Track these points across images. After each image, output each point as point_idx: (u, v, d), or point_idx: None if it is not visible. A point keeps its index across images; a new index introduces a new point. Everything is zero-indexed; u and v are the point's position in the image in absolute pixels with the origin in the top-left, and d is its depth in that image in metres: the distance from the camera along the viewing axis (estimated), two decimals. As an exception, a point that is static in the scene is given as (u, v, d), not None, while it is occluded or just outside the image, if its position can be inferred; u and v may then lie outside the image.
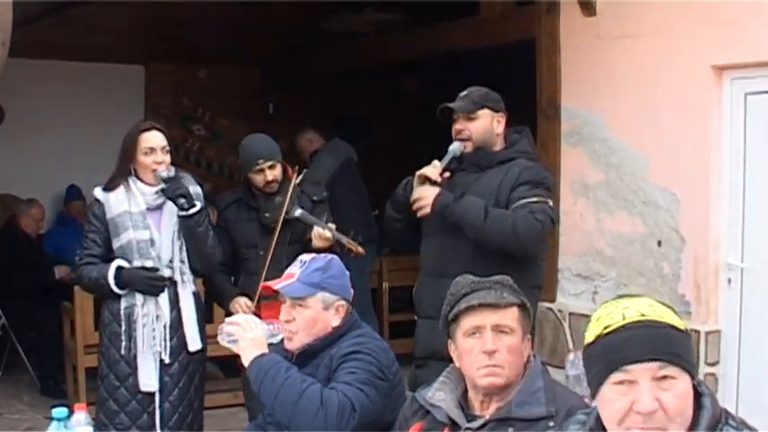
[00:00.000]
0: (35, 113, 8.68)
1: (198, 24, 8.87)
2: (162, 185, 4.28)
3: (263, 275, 4.47)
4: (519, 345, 2.65)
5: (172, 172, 4.31)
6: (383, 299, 7.82)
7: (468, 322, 2.65)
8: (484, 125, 4.13)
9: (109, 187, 4.33)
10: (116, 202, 4.28)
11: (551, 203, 4.03)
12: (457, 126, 4.14)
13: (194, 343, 4.37)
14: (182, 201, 4.26)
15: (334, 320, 3.23)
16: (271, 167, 4.65)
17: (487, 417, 2.57)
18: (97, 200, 4.34)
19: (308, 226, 4.56)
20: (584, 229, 5.82)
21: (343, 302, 3.26)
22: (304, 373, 3.17)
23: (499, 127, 4.14)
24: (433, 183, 4.07)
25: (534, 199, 3.93)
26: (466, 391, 2.69)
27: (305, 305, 3.22)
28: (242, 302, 4.64)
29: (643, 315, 1.95)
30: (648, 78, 5.45)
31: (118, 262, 4.23)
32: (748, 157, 5.08)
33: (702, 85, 5.17)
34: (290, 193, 4.64)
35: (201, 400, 4.53)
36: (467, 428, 2.57)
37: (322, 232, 4.42)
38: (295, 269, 3.29)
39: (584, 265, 5.83)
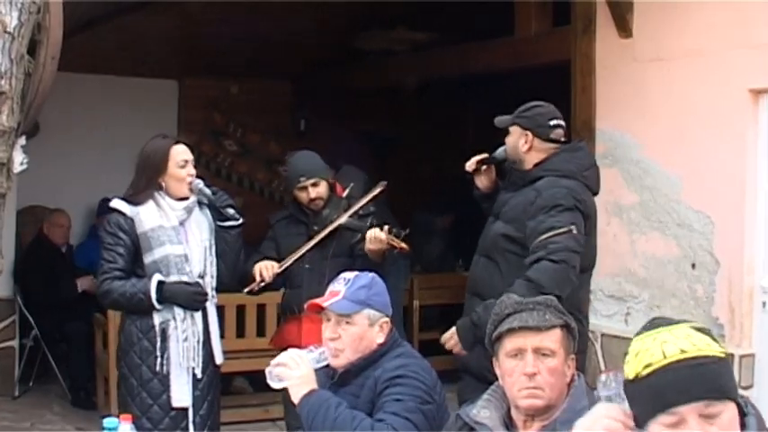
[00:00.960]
0: (68, 127, 8.79)
1: (231, 40, 8.94)
2: (196, 197, 4.28)
3: (303, 285, 4.52)
4: (561, 366, 2.66)
5: (201, 185, 4.31)
6: (413, 317, 7.84)
7: (510, 343, 2.67)
8: (513, 141, 4.15)
9: (136, 201, 4.26)
10: (148, 217, 4.22)
11: (574, 227, 3.86)
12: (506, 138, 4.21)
13: (219, 356, 4.38)
14: (231, 211, 4.28)
15: (379, 337, 3.24)
16: (314, 185, 4.64)
17: (532, 434, 2.58)
18: (121, 212, 4.24)
19: (355, 234, 4.56)
20: (617, 250, 5.81)
21: (387, 319, 3.28)
22: (347, 392, 3.19)
23: (525, 145, 4.08)
24: (466, 172, 4.35)
25: (551, 233, 3.82)
26: (509, 408, 2.71)
27: (351, 322, 3.21)
28: (266, 265, 4.58)
29: (683, 352, 1.92)
30: (683, 101, 5.46)
31: (159, 276, 4.18)
32: (784, 180, 5.09)
33: (738, 107, 5.18)
34: (341, 207, 4.64)
35: (219, 413, 4.54)
36: (513, 447, 2.59)
37: (377, 234, 4.36)
38: (339, 287, 3.28)
39: (617, 286, 5.83)
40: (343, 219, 4.59)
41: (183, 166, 4.28)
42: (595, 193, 4.17)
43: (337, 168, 8.01)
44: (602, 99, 5.96)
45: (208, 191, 4.29)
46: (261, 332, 6.79)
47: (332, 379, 3.30)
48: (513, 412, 2.69)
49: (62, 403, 7.28)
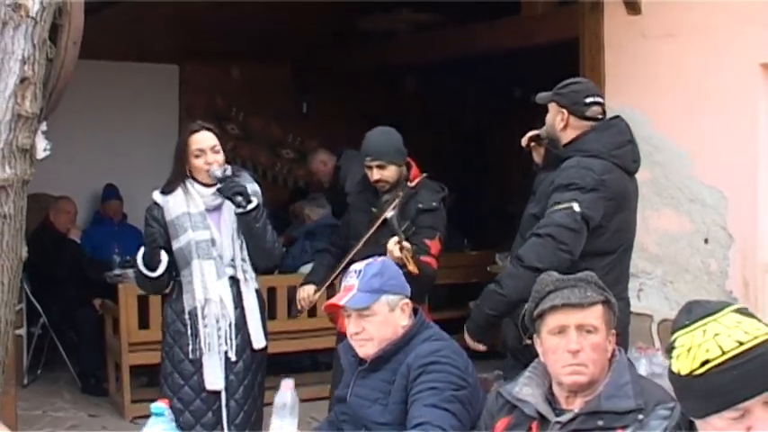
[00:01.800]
0: (70, 113, 8.65)
1: (231, 22, 8.92)
2: (218, 185, 4.31)
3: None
4: (603, 342, 2.67)
5: (228, 171, 4.32)
6: (424, 296, 7.80)
7: (552, 321, 2.67)
8: (550, 118, 4.09)
9: (167, 190, 4.37)
10: (175, 205, 4.32)
11: (577, 205, 3.77)
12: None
13: (258, 341, 4.39)
14: (238, 198, 4.27)
15: (402, 320, 3.23)
16: (379, 167, 4.51)
17: (576, 410, 2.59)
18: (156, 203, 4.39)
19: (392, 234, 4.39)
20: (629, 226, 5.81)
21: (407, 300, 3.27)
22: (380, 378, 3.19)
23: (561, 123, 4.00)
24: (525, 148, 4.31)
25: (554, 208, 3.80)
26: (551, 385, 2.72)
27: (371, 313, 3.20)
28: (304, 291, 4.64)
29: (741, 343, 1.90)
30: (694, 76, 5.46)
31: (143, 249, 4.31)
32: (796, 153, 5.10)
33: (749, 82, 5.18)
34: (399, 196, 4.45)
35: (263, 398, 4.52)
36: (556, 422, 2.60)
37: (392, 248, 4.18)
38: (353, 280, 3.26)
39: (630, 263, 5.83)
40: (390, 213, 4.39)
41: (198, 156, 4.32)
42: (630, 172, 4.09)
43: (339, 154, 8.06)
44: (611, 76, 5.95)
45: (218, 179, 4.28)
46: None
47: (361, 365, 3.29)
48: (556, 388, 2.70)
49: (72, 390, 7.29)
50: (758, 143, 5.17)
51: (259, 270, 4.53)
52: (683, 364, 1.95)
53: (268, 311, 4.73)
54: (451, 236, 8.76)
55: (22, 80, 3.67)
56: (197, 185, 4.36)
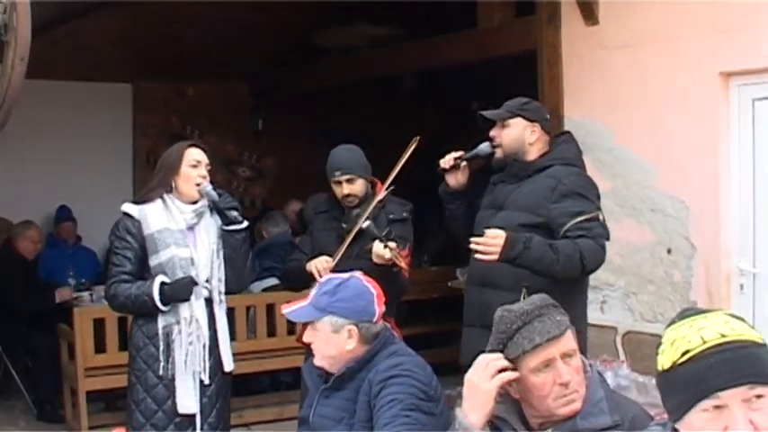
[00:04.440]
0: (22, 134, 8.53)
1: (184, 41, 8.81)
2: (206, 201, 4.23)
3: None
4: (580, 362, 2.57)
5: (214, 193, 4.26)
6: (387, 313, 7.73)
7: (535, 359, 2.50)
8: (515, 133, 4.16)
9: (143, 201, 4.25)
10: (155, 219, 4.19)
11: (599, 213, 4.03)
12: (491, 132, 4.23)
13: (229, 363, 4.31)
14: (234, 213, 4.24)
15: (348, 344, 3.15)
16: (349, 181, 4.50)
17: (551, 430, 2.49)
18: (129, 215, 4.22)
19: (373, 240, 4.40)
20: (591, 238, 5.78)
21: (355, 327, 3.16)
22: (342, 397, 3.14)
23: (532, 136, 4.16)
24: (443, 170, 4.36)
25: (584, 217, 3.93)
26: (521, 408, 2.61)
27: (316, 328, 3.18)
28: (318, 262, 4.43)
29: (723, 336, 1.88)
30: (653, 86, 5.45)
31: (161, 278, 4.14)
32: (757, 162, 5.08)
33: (709, 91, 5.18)
34: (370, 207, 4.46)
35: (229, 419, 4.48)
36: (534, 443, 2.50)
37: (380, 251, 4.20)
38: (312, 291, 3.24)
39: (592, 275, 5.79)
40: (366, 223, 4.38)
41: (194, 166, 4.26)
42: None
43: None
44: (570, 88, 5.93)
45: (213, 194, 4.24)
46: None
47: (326, 383, 3.23)
48: (528, 411, 2.59)
49: (27, 419, 7.14)
50: (720, 152, 5.15)
51: (230, 292, 4.45)
52: (667, 357, 1.93)
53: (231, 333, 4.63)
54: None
55: (-32, 98, 3.55)
56: (177, 202, 4.23)
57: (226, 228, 4.27)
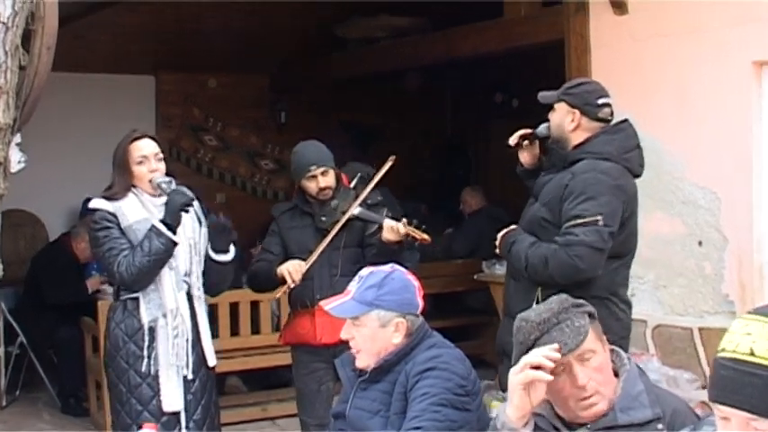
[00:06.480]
0: (45, 128, 8.53)
1: (207, 32, 8.80)
2: (163, 196, 4.04)
3: (314, 277, 4.42)
4: (603, 358, 2.48)
5: (173, 184, 4.05)
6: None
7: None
8: (557, 119, 3.96)
9: (112, 198, 4.06)
10: (131, 210, 4.03)
11: (602, 217, 3.68)
12: (550, 114, 4.05)
13: (212, 358, 4.22)
14: (231, 249, 4.20)
15: (395, 338, 3.09)
16: (323, 174, 4.50)
17: (590, 425, 2.43)
18: (103, 210, 4.04)
19: (368, 225, 4.45)
20: (620, 231, 5.71)
21: (403, 319, 3.10)
22: (379, 389, 3.08)
23: (571, 124, 3.89)
24: (508, 146, 4.23)
25: (578, 221, 3.68)
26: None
27: (360, 324, 3.09)
28: (293, 266, 4.39)
29: (752, 354, 1.78)
30: (684, 77, 5.37)
31: (152, 220, 3.99)
32: (790, 153, 5.01)
33: (742, 81, 5.09)
34: (365, 192, 4.51)
35: (219, 418, 4.36)
36: (573, 437, 2.44)
37: (395, 224, 4.24)
38: (352, 285, 3.16)
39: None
40: (357, 209, 4.45)
41: (140, 163, 4.06)
42: (637, 176, 3.97)
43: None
44: (598, 78, 5.71)
45: (165, 186, 4.02)
46: (255, 330, 6.73)
47: (361, 376, 3.17)
48: (558, 411, 2.51)
49: (52, 411, 7.13)
50: (752, 142, 5.07)
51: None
52: (721, 342, 1.87)
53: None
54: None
55: (-6, 89, 3.51)
56: (146, 195, 4.08)
57: (214, 257, 4.16)
